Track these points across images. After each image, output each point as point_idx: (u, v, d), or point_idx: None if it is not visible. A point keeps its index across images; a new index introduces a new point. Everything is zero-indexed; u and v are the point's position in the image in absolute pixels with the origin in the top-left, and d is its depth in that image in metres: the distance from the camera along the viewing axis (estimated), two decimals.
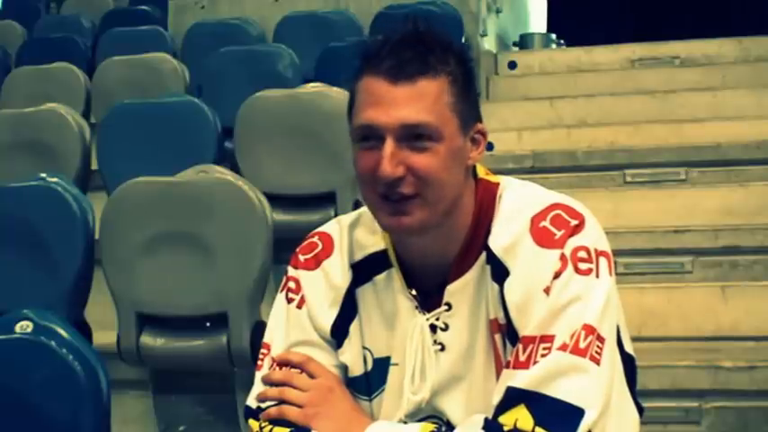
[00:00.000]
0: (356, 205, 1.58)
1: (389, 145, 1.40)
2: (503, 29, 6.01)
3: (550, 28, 7.08)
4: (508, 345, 1.43)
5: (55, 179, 3.00)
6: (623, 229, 3.59)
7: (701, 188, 3.93)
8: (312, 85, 3.93)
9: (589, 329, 1.39)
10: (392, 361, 1.50)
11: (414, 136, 1.41)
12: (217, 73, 4.73)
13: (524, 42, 6.17)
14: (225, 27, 5.57)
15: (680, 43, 5.47)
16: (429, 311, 1.48)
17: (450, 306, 1.47)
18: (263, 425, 1.50)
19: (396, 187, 1.41)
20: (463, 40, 5.12)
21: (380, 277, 1.52)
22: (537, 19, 7.10)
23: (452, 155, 1.42)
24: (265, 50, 4.93)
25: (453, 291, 1.47)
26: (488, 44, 5.63)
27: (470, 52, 5.15)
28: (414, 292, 1.50)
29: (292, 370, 1.52)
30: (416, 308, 1.49)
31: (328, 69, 4.56)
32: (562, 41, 6.38)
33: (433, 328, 1.48)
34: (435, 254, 1.48)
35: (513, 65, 5.63)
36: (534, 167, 4.20)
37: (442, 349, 1.48)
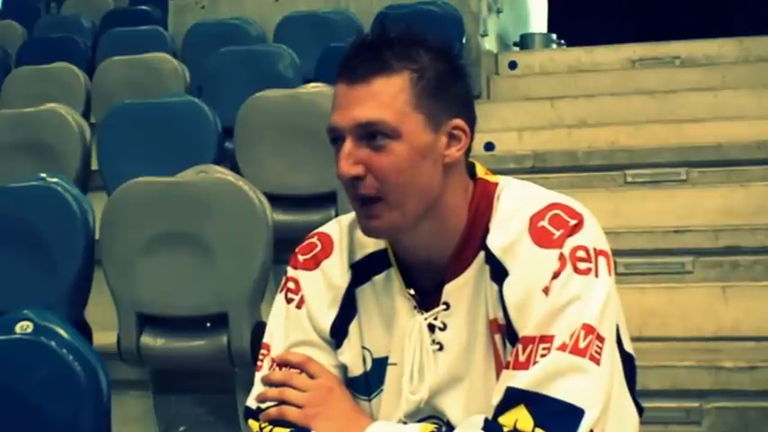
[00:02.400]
0: None
1: (347, 145, 1.42)
2: (503, 29, 6.02)
3: (551, 28, 7.08)
4: (508, 345, 1.43)
5: (55, 179, 2.99)
6: (624, 230, 3.59)
7: (701, 188, 3.93)
8: (312, 85, 3.93)
9: (588, 329, 1.38)
10: (391, 361, 1.50)
11: (370, 135, 1.41)
12: (217, 73, 4.73)
13: (525, 42, 6.17)
14: (225, 27, 5.57)
15: (680, 43, 5.47)
16: (427, 311, 1.48)
17: (448, 305, 1.47)
18: (262, 425, 1.50)
19: (356, 188, 1.42)
20: (464, 41, 5.12)
21: (379, 277, 1.52)
22: (537, 19, 7.10)
23: (416, 153, 1.42)
24: (265, 50, 4.93)
25: (451, 290, 1.47)
26: (489, 44, 5.63)
27: (470, 52, 5.22)
28: (412, 291, 1.50)
29: (292, 370, 1.51)
30: (415, 307, 1.49)
31: (328, 69, 4.52)
32: (563, 41, 6.38)
33: (432, 327, 1.48)
34: (431, 253, 1.48)
35: (513, 65, 5.63)
36: (535, 167, 4.20)
37: (441, 349, 1.47)
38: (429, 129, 1.43)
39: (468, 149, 1.49)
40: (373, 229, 1.45)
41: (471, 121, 1.48)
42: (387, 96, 1.41)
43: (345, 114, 1.43)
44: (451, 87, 1.46)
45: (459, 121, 1.46)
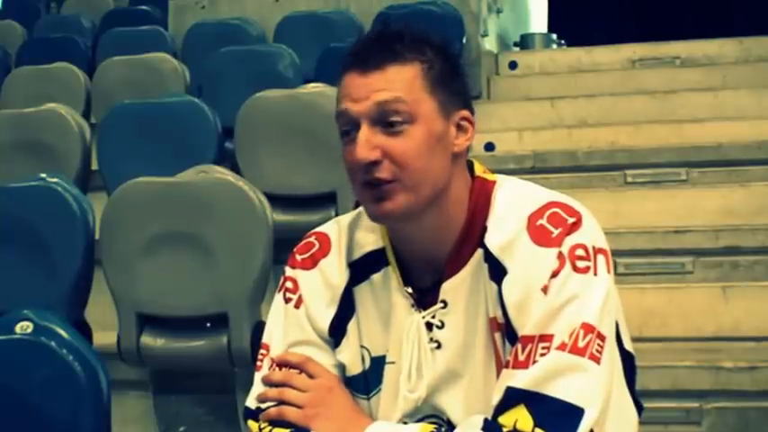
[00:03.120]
0: (357, 205, 1.57)
1: (364, 130, 1.42)
2: (503, 29, 6.02)
3: (551, 28, 7.08)
4: (507, 344, 1.43)
5: (55, 179, 2.99)
6: (624, 230, 3.59)
7: (701, 188, 3.93)
8: (312, 85, 3.93)
9: (588, 328, 1.38)
10: (389, 359, 1.50)
11: (388, 119, 1.42)
12: (217, 73, 4.73)
13: (525, 42, 6.17)
14: (225, 27, 5.57)
15: (681, 43, 5.48)
16: (425, 309, 1.48)
17: (445, 303, 1.47)
18: (262, 425, 1.50)
19: (373, 172, 1.42)
20: (464, 41, 5.12)
21: (377, 276, 1.52)
22: (537, 19, 7.10)
23: (431, 138, 1.43)
24: (265, 50, 4.93)
25: (448, 288, 1.47)
26: (489, 44, 5.63)
27: (470, 52, 5.22)
28: (410, 289, 1.50)
29: (291, 370, 1.52)
30: (412, 306, 1.49)
31: (328, 69, 4.54)
32: (563, 41, 6.38)
33: (430, 325, 1.48)
34: (429, 249, 1.48)
35: (513, 65, 5.63)
36: (535, 168, 4.20)
37: (439, 347, 1.47)
38: (441, 115, 1.45)
39: (468, 147, 1.49)
40: (384, 212, 1.44)
41: (473, 116, 1.50)
42: (402, 81, 1.43)
43: (361, 100, 1.43)
44: (455, 82, 1.49)
45: (466, 112, 1.48)
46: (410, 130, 1.42)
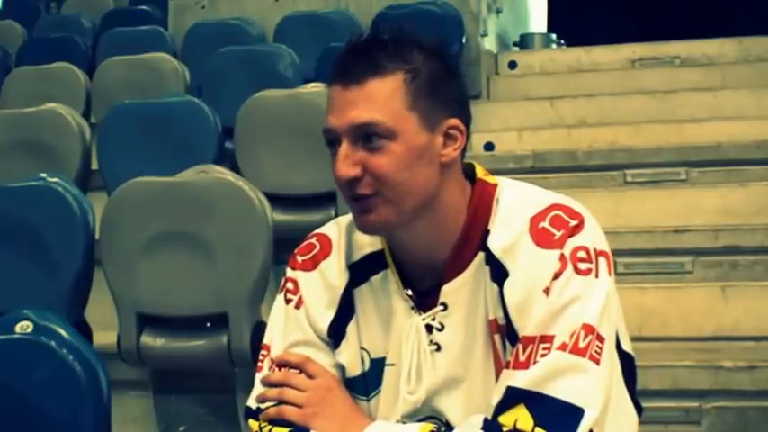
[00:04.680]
0: None
1: (343, 147, 1.43)
2: (503, 29, 6.02)
3: (551, 28, 7.08)
4: (508, 345, 1.43)
5: (55, 179, 3.00)
6: (623, 229, 3.59)
7: (701, 188, 3.93)
8: (312, 85, 3.94)
9: (588, 329, 1.39)
10: (388, 361, 1.50)
11: (366, 136, 1.42)
12: (217, 73, 4.73)
13: (525, 42, 6.17)
14: (225, 27, 5.57)
15: (680, 43, 5.48)
16: (425, 312, 1.48)
17: (445, 306, 1.47)
18: (262, 425, 1.50)
19: (354, 188, 1.43)
20: (464, 41, 5.13)
21: (377, 277, 1.52)
22: (537, 19, 7.10)
23: (412, 153, 1.42)
24: (265, 50, 4.94)
25: (449, 291, 1.47)
26: (489, 44, 5.63)
27: (470, 52, 5.22)
28: (409, 292, 1.50)
29: (291, 371, 1.52)
30: (412, 308, 1.49)
31: (328, 69, 4.54)
32: (562, 41, 6.38)
33: (429, 328, 1.48)
34: (428, 253, 1.48)
35: (513, 65, 5.63)
36: (534, 167, 4.20)
37: (438, 349, 1.47)
38: (425, 129, 1.43)
39: (464, 149, 1.49)
40: (369, 224, 1.45)
41: (467, 120, 1.48)
42: (381, 97, 1.42)
43: (341, 117, 1.43)
44: (446, 87, 1.46)
45: (454, 121, 1.46)
46: (390, 147, 1.41)
